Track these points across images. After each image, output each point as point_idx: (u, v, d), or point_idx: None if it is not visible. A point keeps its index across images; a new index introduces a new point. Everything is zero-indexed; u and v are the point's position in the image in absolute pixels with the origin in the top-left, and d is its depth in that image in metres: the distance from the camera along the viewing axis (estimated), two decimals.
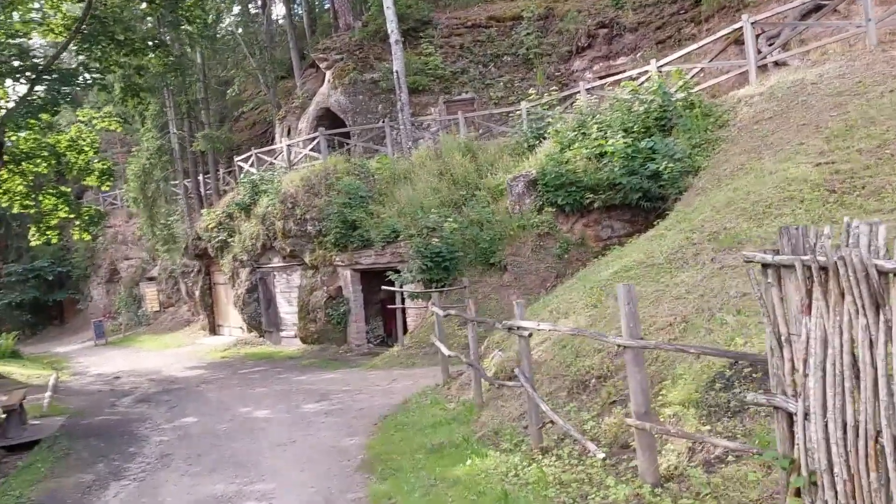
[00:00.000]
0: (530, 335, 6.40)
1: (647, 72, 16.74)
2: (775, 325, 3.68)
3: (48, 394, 18.28)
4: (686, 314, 7.14)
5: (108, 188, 26.65)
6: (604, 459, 5.66)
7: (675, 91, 15.17)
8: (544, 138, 18.70)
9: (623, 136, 15.23)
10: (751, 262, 3.47)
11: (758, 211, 8.87)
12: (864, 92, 11.25)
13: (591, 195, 16.05)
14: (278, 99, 32.82)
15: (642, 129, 15.23)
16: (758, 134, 12.35)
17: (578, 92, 18.78)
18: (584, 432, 6.43)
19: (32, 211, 24.00)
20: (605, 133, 15.81)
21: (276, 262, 23.84)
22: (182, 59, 28.46)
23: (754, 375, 5.22)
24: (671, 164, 13.77)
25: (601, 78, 21.37)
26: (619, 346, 4.79)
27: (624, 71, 19.66)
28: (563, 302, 9.83)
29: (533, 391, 6.40)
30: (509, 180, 17.60)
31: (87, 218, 25.51)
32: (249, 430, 11.64)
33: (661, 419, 5.42)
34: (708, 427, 4.97)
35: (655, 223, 12.95)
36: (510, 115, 21.44)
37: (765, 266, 3.55)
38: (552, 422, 6.49)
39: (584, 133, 16.78)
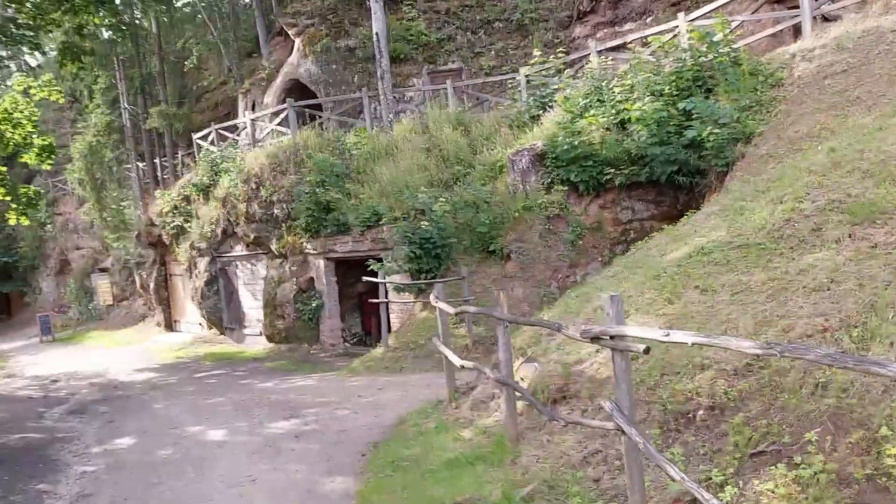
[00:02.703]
0: (647, 351, 3.92)
1: (674, 28, 14.35)
2: None
3: None
4: (848, 314, 4.73)
5: (49, 167, 23.59)
6: None
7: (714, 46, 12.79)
8: (549, 108, 16.25)
9: (652, 100, 12.82)
10: None
11: (892, 172, 6.50)
12: None
13: (610, 170, 13.63)
14: (242, 74, 29.92)
15: (674, 93, 12.82)
16: (833, 90, 10.06)
17: (588, 55, 16.33)
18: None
19: None
20: (630, 97, 13.39)
21: (239, 250, 21.11)
22: (132, 23, 25.52)
23: None
24: (716, 130, 11.39)
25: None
26: None
27: (630, 36, 17.19)
28: None
29: (646, 442, 3.94)
30: (511, 155, 15.12)
31: (24, 199, 22.58)
32: (198, 459, 9.03)
33: None
34: None
35: (703, 201, 10.64)
36: (506, 83, 18.93)
37: None
38: (695, 499, 4.00)
39: (599, 99, 14.36)
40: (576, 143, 13.89)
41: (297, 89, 23.88)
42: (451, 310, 8.29)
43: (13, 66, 45.45)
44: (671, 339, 3.68)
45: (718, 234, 7.26)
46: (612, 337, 4.24)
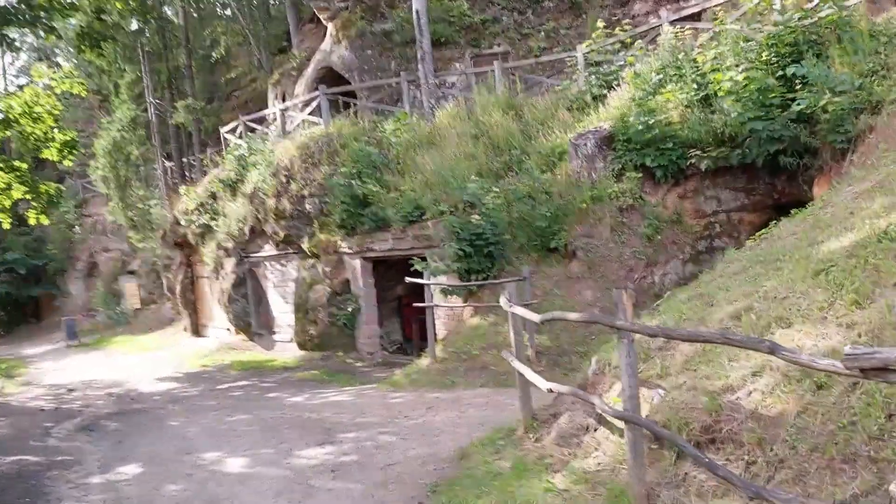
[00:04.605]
0: None
1: None
2: None
3: None
4: None
5: (71, 162, 22.28)
6: None
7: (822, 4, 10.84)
8: (614, 87, 14.39)
9: (746, 67, 10.89)
10: None
11: None
12: None
13: (694, 153, 11.73)
14: (272, 68, 28.43)
15: (772, 59, 10.89)
16: None
17: (659, 26, 14.45)
18: None
19: None
20: (719, 66, 11.49)
21: (268, 249, 19.51)
22: (156, 8, 24.15)
23: None
24: (835, 99, 9.46)
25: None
26: None
27: (702, 11, 15.27)
28: (760, 298, 5.51)
29: None
30: (573, 139, 13.29)
31: (45, 198, 21.27)
32: (212, 499, 7.32)
33: None
34: None
35: (812, 186, 8.73)
36: (562, 63, 17.09)
37: None
38: None
39: (678, 73, 12.48)
40: (651, 122, 12.03)
41: (329, 78, 22.24)
42: (535, 317, 6.41)
43: (44, 67, 44.81)
44: None
45: None
46: None
